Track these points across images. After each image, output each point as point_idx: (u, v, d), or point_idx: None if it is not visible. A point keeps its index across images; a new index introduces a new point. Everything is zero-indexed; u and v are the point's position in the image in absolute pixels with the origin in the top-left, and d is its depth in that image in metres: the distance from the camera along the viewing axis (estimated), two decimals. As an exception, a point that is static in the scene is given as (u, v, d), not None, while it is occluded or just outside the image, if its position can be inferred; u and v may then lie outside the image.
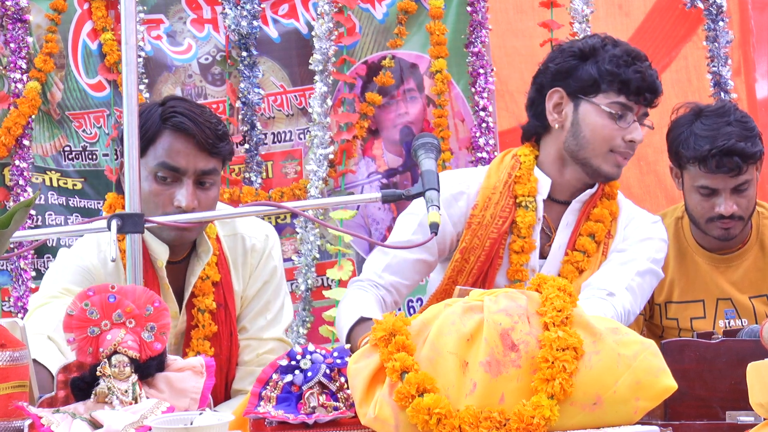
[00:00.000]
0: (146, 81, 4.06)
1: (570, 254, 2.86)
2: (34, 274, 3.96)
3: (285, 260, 3.43)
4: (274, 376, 2.00)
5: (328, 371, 1.99)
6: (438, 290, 2.91)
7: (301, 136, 4.18)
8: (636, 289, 2.82)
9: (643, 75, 2.78)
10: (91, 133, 4.07)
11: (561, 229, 2.89)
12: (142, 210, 2.65)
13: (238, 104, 4.11)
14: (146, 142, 2.67)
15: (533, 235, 2.85)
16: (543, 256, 2.90)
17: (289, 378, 1.99)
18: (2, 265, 3.98)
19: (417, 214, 2.84)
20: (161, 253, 2.72)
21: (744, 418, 2.06)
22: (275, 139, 4.19)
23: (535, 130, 2.94)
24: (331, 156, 4.06)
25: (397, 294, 2.89)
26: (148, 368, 1.97)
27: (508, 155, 2.96)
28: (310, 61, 4.05)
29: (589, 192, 2.90)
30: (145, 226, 2.29)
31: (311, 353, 2.01)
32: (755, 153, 3.14)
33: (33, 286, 3.91)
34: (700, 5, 4.23)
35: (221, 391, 2.83)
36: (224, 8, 4.09)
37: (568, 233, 2.89)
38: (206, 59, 4.15)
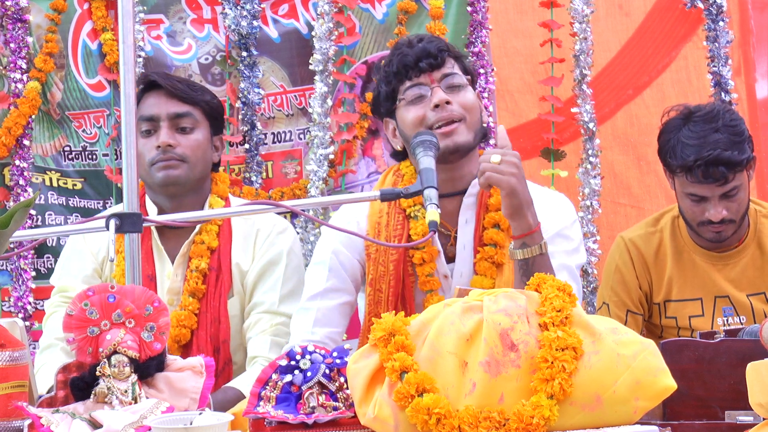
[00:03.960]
0: (146, 81, 4.06)
1: (482, 250, 2.80)
2: (34, 274, 3.95)
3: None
4: (274, 376, 2.00)
5: (327, 371, 1.99)
6: (363, 328, 2.89)
7: (301, 136, 4.18)
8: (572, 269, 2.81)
9: (403, 53, 2.80)
10: (91, 133, 4.07)
11: (461, 227, 2.84)
12: (139, 170, 2.73)
13: (238, 104, 4.10)
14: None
15: (432, 242, 2.81)
16: (452, 259, 2.85)
17: (288, 378, 1.99)
18: (2, 265, 3.98)
19: (324, 262, 2.86)
20: (152, 212, 2.96)
21: (743, 417, 2.06)
22: (275, 139, 4.19)
23: (403, 152, 2.93)
24: (331, 156, 4.05)
25: (334, 344, 2.84)
26: (147, 368, 1.98)
27: (389, 174, 2.97)
28: (310, 61, 4.05)
29: (477, 182, 2.81)
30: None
31: (311, 353, 2.01)
32: (742, 161, 3.11)
33: (33, 286, 3.90)
34: (700, 5, 4.22)
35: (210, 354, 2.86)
36: (224, 8, 4.09)
37: (469, 230, 2.83)
38: (206, 59, 4.14)
